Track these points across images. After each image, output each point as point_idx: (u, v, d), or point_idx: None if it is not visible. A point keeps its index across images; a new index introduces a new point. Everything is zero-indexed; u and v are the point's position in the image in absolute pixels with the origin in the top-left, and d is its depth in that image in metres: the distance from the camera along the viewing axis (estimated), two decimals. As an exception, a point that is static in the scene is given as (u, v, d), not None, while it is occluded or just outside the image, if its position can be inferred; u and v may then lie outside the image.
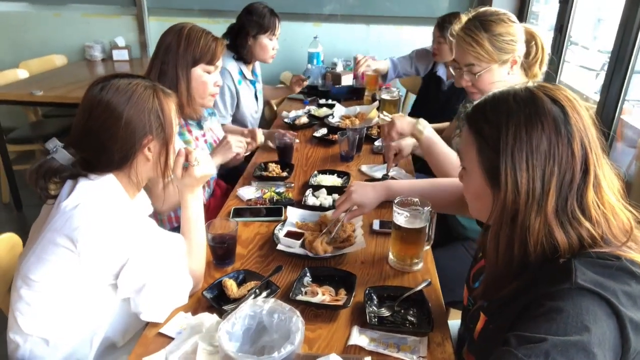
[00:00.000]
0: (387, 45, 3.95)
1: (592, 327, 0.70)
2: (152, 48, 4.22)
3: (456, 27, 1.66)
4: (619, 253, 0.78)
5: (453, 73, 1.74)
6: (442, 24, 2.77)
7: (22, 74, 3.51)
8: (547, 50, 1.66)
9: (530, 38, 1.63)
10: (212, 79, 1.82)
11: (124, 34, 4.19)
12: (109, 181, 1.16)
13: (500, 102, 0.86)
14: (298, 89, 2.93)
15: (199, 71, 1.78)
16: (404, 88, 3.80)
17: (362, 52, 3.67)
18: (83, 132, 1.16)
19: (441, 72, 3.07)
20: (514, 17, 1.62)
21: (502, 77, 1.63)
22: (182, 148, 1.27)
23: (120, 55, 4.06)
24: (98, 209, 1.09)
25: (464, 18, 1.65)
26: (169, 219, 1.86)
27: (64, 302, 1.12)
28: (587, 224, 0.80)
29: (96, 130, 1.14)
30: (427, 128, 1.64)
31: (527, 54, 1.64)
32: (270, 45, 2.61)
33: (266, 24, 2.57)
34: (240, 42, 2.54)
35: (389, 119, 1.79)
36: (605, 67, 2.20)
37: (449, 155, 1.63)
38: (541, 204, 0.80)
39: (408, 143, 1.89)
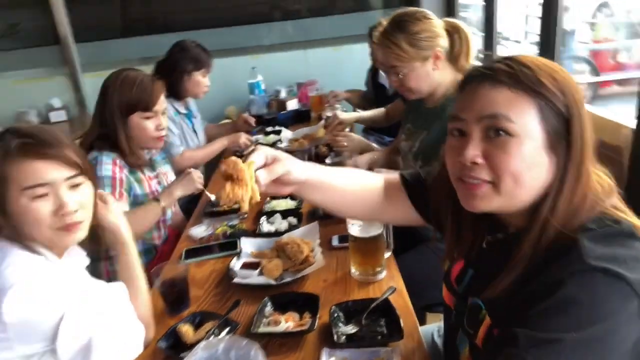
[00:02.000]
0: (326, 66, 3.98)
1: (609, 315, 0.66)
2: (90, 104, 4.11)
3: (377, 32, 1.67)
4: (613, 214, 0.75)
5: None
6: (370, 34, 2.84)
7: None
8: (473, 41, 1.68)
9: (453, 30, 1.65)
10: (152, 123, 1.76)
11: (59, 94, 4.06)
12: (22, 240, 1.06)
13: (537, 60, 0.79)
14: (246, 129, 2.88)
15: (136, 119, 1.73)
16: (350, 106, 3.82)
17: (303, 76, 3.70)
18: None
19: (382, 79, 3.11)
20: (430, 14, 1.65)
21: (428, 73, 1.65)
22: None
23: (57, 116, 3.92)
24: (13, 273, 0.98)
25: (384, 22, 1.67)
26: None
27: None
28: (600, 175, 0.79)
29: None
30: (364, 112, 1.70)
31: (452, 47, 1.66)
32: (203, 82, 2.60)
33: (202, 60, 2.56)
34: (175, 79, 2.50)
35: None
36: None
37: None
38: (591, 156, 0.77)
39: (363, 161, 1.90)
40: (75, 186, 1.07)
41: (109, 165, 1.68)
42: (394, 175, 1.11)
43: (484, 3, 2.99)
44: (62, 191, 1.04)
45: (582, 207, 0.75)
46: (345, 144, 2.31)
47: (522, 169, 0.75)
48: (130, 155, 1.74)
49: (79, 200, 1.07)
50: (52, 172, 1.03)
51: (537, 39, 2.29)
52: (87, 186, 1.11)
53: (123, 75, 1.74)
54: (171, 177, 2.02)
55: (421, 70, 1.64)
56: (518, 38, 6.65)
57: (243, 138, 2.62)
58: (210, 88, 2.94)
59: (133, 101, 1.71)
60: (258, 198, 0.89)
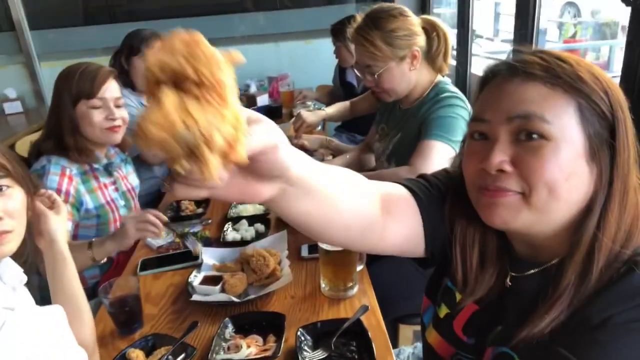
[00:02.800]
0: (298, 60, 3.87)
1: None
2: (48, 96, 3.88)
3: (351, 28, 1.58)
4: None
5: (359, 75, 1.67)
6: (336, 29, 2.78)
7: None
8: (451, 40, 1.60)
9: (431, 29, 1.56)
10: (100, 114, 1.63)
11: (14, 84, 3.82)
12: None
13: (572, 56, 0.67)
14: None
15: (82, 108, 1.62)
16: (322, 104, 3.72)
17: (274, 70, 3.58)
18: None
19: (350, 77, 3.04)
20: (408, 11, 1.56)
21: (404, 73, 1.57)
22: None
23: (12, 107, 3.69)
24: None
25: (359, 18, 1.57)
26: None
27: None
28: None
29: None
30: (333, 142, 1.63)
31: (430, 47, 1.57)
32: None
33: (144, 42, 2.31)
34: (129, 68, 2.34)
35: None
36: (511, 55, 2.28)
37: (379, 173, 1.61)
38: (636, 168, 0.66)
39: (337, 164, 1.82)
40: None
41: (55, 176, 1.54)
42: (394, 185, 0.82)
43: (457, 4, 2.94)
44: None
45: (636, 225, 0.65)
46: (306, 143, 2.22)
47: (558, 178, 0.63)
48: (79, 153, 1.62)
49: (3, 207, 0.93)
50: None
51: (509, 36, 2.25)
52: (15, 191, 0.97)
53: (68, 68, 1.65)
54: (132, 179, 1.88)
55: (397, 70, 1.55)
56: (490, 36, 6.69)
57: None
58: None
59: (75, 90, 1.61)
60: (242, 154, 0.44)
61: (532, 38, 2.09)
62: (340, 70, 3.15)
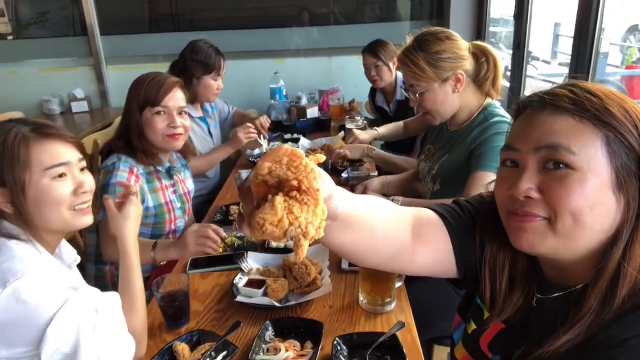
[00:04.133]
0: (349, 75, 3.93)
1: None
2: (112, 97, 4.13)
3: (399, 51, 1.62)
4: None
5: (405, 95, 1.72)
6: (374, 49, 2.89)
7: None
8: (501, 66, 1.60)
9: (481, 54, 1.58)
10: (163, 121, 1.74)
11: (82, 85, 4.09)
12: (17, 234, 1.04)
13: (603, 89, 0.70)
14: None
15: (147, 115, 1.74)
16: (371, 116, 3.76)
17: (326, 84, 3.65)
18: None
19: (380, 101, 3.10)
20: (455, 35, 1.58)
21: (447, 95, 1.59)
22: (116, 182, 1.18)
23: (79, 107, 3.95)
24: (7, 271, 0.95)
25: (408, 40, 1.61)
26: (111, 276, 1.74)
27: None
28: None
29: None
30: (400, 200, 1.63)
31: (478, 71, 1.58)
32: (214, 85, 2.52)
33: (211, 64, 2.48)
34: (185, 82, 2.45)
35: None
36: (567, 79, 2.22)
37: (429, 202, 1.62)
38: None
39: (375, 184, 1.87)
40: (83, 169, 1.11)
41: (124, 173, 1.66)
42: (424, 210, 0.86)
43: (514, 19, 2.91)
44: (76, 171, 1.08)
45: None
46: (348, 153, 2.26)
47: (583, 207, 0.66)
48: (145, 155, 1.74)
49: (90, 183, 1.10)
50: (68, 152, 1.07)
51: (567, 59, 2.21)
52: (90, 175, 1.13)
53: (140, 76, 1.78)
54: (189, 184, 1.99)
55: (439, 91, 1.58)
56: (547, 58, 6.51)
57: (242, 137, 2.45)
58: (231, 89, 2.93)
59: (143, 97, 1.73)
60: (322, 234, 0.57)
61: (589, 62, 2.05)
62: (371, 93, 3.21)
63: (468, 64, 1.57)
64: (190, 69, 2.44)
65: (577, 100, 0.68)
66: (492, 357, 0.82)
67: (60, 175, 1.05)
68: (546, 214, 0.68)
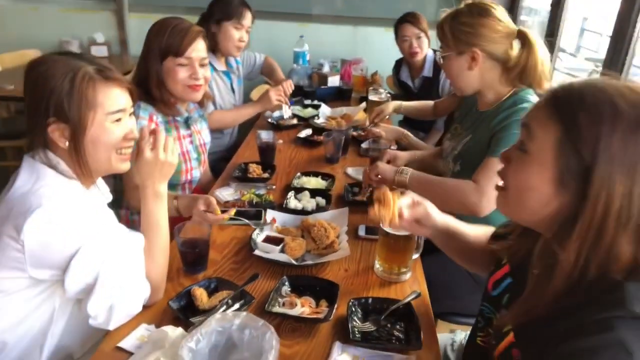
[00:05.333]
0: (373, 47, 3.86)
1: None
2: (132, 45, 4.07)
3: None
4: None
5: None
6: (416, 19, 2.81)
7: (-7, 69, 3.35)
8: (542, 57, 1.49)
9: (523, 41, 1.49)
10: (185, 71, 1.71)
11: (103, 30, 4.03)
12: (57, 165, 1.05)
13: (604, 93, 0.71)
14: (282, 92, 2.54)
15: (169, 64, 1.69)
16: (392, 91, 3.72)
17: (349, 53, 3.60)
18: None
19: (404, 76, 3.04)
20: (493, 14, 1.50)
21: (461, 69, 1.56)
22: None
23: (98, 51, 3.89)
24: (44, 194, 0.97)
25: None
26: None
27: (9, 300, 1.01)
28: None
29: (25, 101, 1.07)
30: (409, 172, 1.58)
31: (511, 57, 1.51)
32: (236, 35, 2.42)
33: (231, 10, 2.40)
34: (209, 31, 2.38)
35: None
36: (593, 75, 2.17)
37: (442, 182, 1.58)
38: (629, 221, 0.68)
39: (404, 157, 1.86)
40: (131, 114, 1.14)
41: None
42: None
43: (551, 7, 2.85)
44: (127, 117, 1.11)
45: (620, 254, 0.69)
46: (383, 133, 2.24)
47: (522, 187, 0.77)
48: (164, 105, 1.72)
49: (135, 130, 1.13)
50: (125, 98, 1.10)
51: (592, 55, 2.17)
52: (134, 121, 1.15)
53: (161, 22, 1.72)
54: (205, 135, 1.98)
55: (455, 63, 1.56)
56: (572, 51, 6.40)
57: (274, 98, 2.42)
58: (253, 50, 2.87)
59: (165, 45, 1.68)
60: (397, 221, 1.12)
61: (624, 60, 2.01)
62: (396, 67, 3.15)
63: (497, 46, 1.51)
64: (212, 12, 2.40)
65: (558, 96, 0.75)
66: (491, 291, 0.97)
67: (118, 120, 1.08)
68: (504, 184, 0.83)
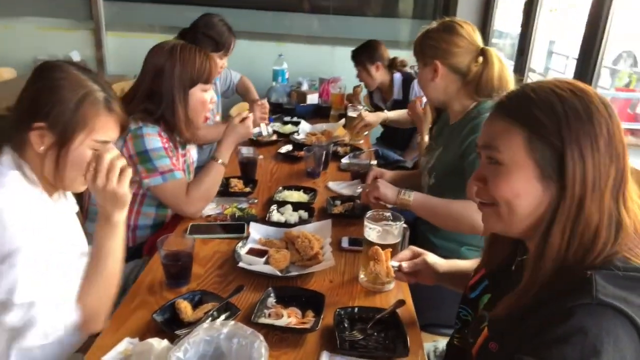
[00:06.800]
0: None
1: (610, 350, 0.65)
2: (109, 64, 4.06)
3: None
4: None
5: None
6: (354, 55, 3.05)
7: (-37, 86, 3.27)
8: (500, 70, 1.54)
9: (483, 56, 1.56)
10: (208, 97, 1.70)
11: (79, 48, 4.00)
12: (22, 167, 1.05)
13: (542, 88, 0.78)
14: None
15: (197, 93, 1.67)
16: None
17: (327, 73, 3.65)
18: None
19: (376, 99, 3.18)
20: (458, 31, 1.58)
21: (427, 81, 1.65)
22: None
23: (74, 70, 3.86)
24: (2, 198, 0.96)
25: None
26: (125, 239, 1.68)
27: None
28: (626, 219, 0.75)
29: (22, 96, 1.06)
30: (412, 194, 1.53)
31: (471, 70, 1.57)
32: (219, 63, 2.42)
33: (222, 43, 2.40)
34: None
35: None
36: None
37: (447, 206, 1.52)
38: (602, 195, 0.74)
39: (388, 176, 1.85)
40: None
41: (156, 136, 1.58)
42: None
43: (521, 28, 2.96)
44: (104, 149, 1.08)
45: (594, 245, 0.74)
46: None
47: (511, 196, 0.78)
48: (186, 130, 1.66)
49: (107, 160, 1.09)
50: (115, 131, 1.11)
51: (560, 75, 2.26)
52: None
53: (180, 47, 1.65)
54: (194, 153, 1.96)
55: (422, 74, 1.67)
56: (542, 72, 6.64)
57: (240, 126, 1.81)
58: (233, 68, 2.90)
59: (197, 74, 1.64)
60: (392, 275, 1.24)
61: (591, 81, 2.10)
62: (369, 93, 3.25)
63: (457, 60, 1.57)
64: (200, 43, 2.36)
65: (509, 105, 0.81)
66: (469, 294, 1.01)
67: (97, 149, 1.08)
68: (490, 201, 0.82)
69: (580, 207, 0.74)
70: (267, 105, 2.42)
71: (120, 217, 1.09)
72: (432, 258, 1.21)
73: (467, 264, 1.21)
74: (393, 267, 1.21)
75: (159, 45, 1.68)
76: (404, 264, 1.20)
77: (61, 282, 1.03)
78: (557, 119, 0.75)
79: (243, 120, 1.74)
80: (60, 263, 1.04)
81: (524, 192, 0.78)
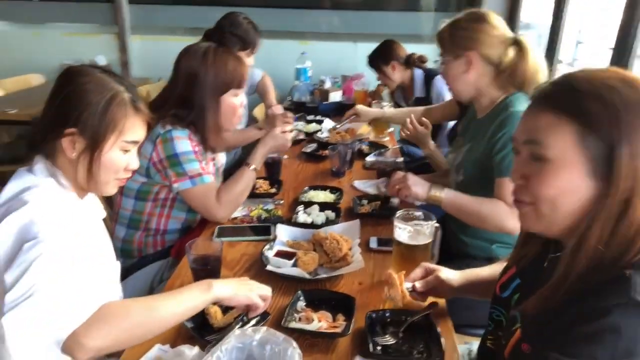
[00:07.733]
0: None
1: None
2: (134, 67, 4.11)
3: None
4: None
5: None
6: (369, 60, 3.01)
7: (-4, 93, 3.37)
8: (535, 61, 1.49)
9: (516, 46, 1.50)
10: (238, 101, 1.69)
11: (105, 52, 4.06)
12: (55, 174, 1.05)
13: (596, 80, 0.74)
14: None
15: (228, 98, 1.65)
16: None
17: (350, 69, 3.62)
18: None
19: (398, 97, 3.16)
20: (491, 19, 1.53)
21: (459, 73, 1.56)
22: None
23: (100, 74, 3.93)
24: (32, 198, 0.97)
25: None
26: (154, 243, 1.70)
27: None
28: None
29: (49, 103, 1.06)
30: (444, 190, 1.49)
31: (504, 61, 1.51)
32: (247, 62, 2.37)
33: (249, 41, 2.40)
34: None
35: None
36: None
37: (478, 206, 1.47)
38: None
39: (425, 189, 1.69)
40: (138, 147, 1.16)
41: (187, 139, 1.57)
42: None
43: (550, 26, 2.88)
44: (134, 150, 1.12)
45: (633, 244, 0.71)
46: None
47: (557, 195, 0.75)
48: (216, 135, 1.64)
49: (136, 164, 1.14)
50: (143, 131, 1.12)
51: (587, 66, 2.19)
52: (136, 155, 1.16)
53: (212, 51, 1.61)
54: (222, 157, 1.95)
55: (452, 67, 1.58)
56: (569, 62, 6.46)
57: (279, 136, 1.77)
58: (255, 68, 2.89)
59: (229, 79, 1.61)
60: (408, 298, 1.14)
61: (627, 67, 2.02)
62: (390, 93, 3.20)
63: (492, 50, 1.52)
64: (227, 42, 2.34)
65: (556, 97, 0.76)
66: (499, 294, 0.98)
67: (127, 150, 1.10)
68: (531, 200, 0.78)
69: (626, 205, 0.71)
70: (290, 114, 2.28)
71: (219, 293, 1.05)
72: (445, 274, 1.15)
73: (485, 271, 1.17)
74: (407, 288, 1.15)
75: (191, 48, 1.65)
76: (418, 284, 1.15)
77: (84, 282, 0.98)
78: (611, 112, 0.71)
79: (285, 131, 1.72)
80: (86, 263, 1.03)
81: (572, 189, 0.74)
